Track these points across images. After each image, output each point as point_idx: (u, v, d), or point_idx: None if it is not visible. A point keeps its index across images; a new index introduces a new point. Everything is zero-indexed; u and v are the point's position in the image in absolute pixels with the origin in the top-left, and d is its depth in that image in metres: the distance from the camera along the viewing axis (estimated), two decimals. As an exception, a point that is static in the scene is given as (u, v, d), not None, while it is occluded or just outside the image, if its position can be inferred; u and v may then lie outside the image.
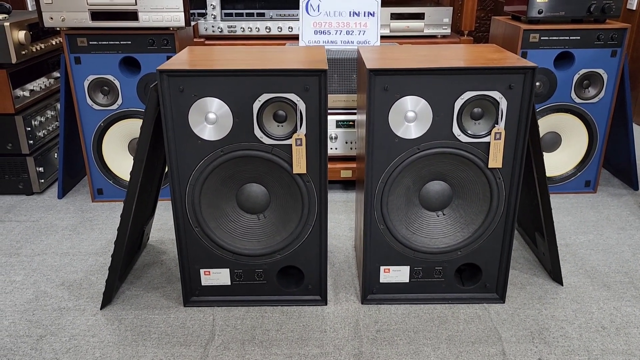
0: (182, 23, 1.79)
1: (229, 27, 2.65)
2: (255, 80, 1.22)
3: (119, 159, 2.01)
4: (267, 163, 1.30)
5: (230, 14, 2.65)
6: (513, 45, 1.90)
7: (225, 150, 1.28)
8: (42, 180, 2.11)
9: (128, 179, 2.02)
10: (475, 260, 1.41)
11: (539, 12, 1.86)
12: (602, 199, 2.04)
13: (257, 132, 1.27)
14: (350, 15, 2.01)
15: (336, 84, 1.99)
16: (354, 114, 2.03)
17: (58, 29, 1.80)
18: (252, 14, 2.65)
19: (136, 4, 1.76)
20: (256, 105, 1.24)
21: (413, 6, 2.69)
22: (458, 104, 1.25)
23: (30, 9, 2.95)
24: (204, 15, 2.62)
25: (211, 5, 2.62)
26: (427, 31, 2.69)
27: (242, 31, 2.66)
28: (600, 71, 1.91)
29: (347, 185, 2.17)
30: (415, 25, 2.69)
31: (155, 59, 1.86)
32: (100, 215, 1.94)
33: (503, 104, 1.25)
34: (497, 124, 1.26)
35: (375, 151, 1.28)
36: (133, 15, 1.78)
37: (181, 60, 1.30)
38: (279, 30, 2.66)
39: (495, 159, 1.29)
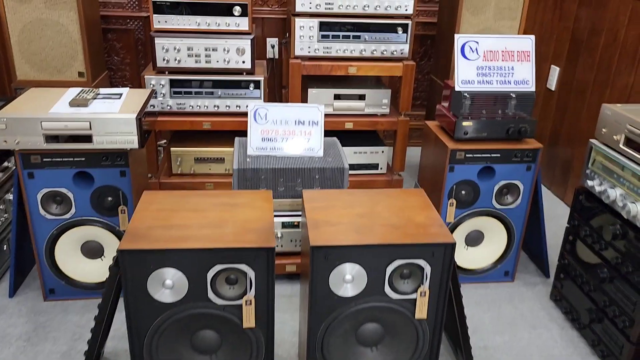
0: (136, 145, 1.88)
1: (178, 104, 2.74)
2: (209, 254, 1.35)
3: (72, 261, 2.08)
4: (220, 317, 1.43)
5: (179, 92, 2.73)
6: (442, 160, 2.11)
7: (181, 309, 1.41)
8: (-8, 277, 2.14)
9: (81, 281, 2.10)
10: (404, 387, 1.60)
11: (465, 134, 2.07)
12: (519, 290, 2.30)
13: (211, 294, 1.40)
14: (295, 124, 2.16)
15: (282, 189, 2.13)
16: (298, 215, 2.18)
17: (12, 149, 1.85)
18: (200, 93, 2.74)
19: (91, 129, 1.83)
20: (210, 274, 1.37)
21: (355, 88, 2.87)
22: (389, 269, 1.43)
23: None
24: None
25: (160, 84, 2.69)
26: (368, 110, 2.89)
27: (191, 108, 2.75)
28: (518, 182, 2.15)
29: (291, 277, 2.32)
30: (356, 105, 2.87)
31: (109, 172, 1.94)
32: (53, 319, 2.01)
33: (427, 269, 1.44)
34: (422, 284, 1.45)
35: (316, 307, 1.45)
36: (87, 138, 1.85)
37: (139, 230, 1.40)
38: (227, 108, 2.77)
39: (421, 312, 1.48)
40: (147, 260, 1.34)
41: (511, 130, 2.08)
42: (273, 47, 3.44)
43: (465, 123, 2.06)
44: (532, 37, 2.08)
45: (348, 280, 1.43)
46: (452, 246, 1.41)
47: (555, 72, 3.09)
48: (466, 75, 2.06)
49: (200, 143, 2.90)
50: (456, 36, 2.04)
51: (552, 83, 3.12)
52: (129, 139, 1.86)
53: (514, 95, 2.08)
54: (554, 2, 3.11)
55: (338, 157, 2.19)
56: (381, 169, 3.03)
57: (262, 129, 2.15)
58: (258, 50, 3.40)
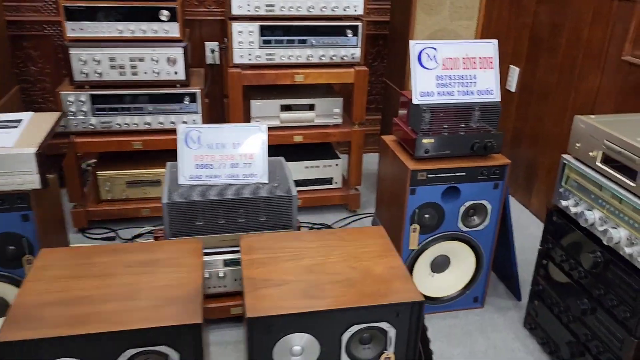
0: (37, 185, 1.56)
1: (102, 123, 2.41)
2: (118, 338, 1.07)
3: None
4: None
5: (103, 109, 2.40)
6: (401, 182, 1.88)
7: (88, 404, 1.12)
8: None
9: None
10: None
11: (426, 152, 1.85)
12: (490, 317, 2.10)
13: (125, 383, 1.12)
14: (234, 147, 1.88)
15: (222, 223, 1.85)
16: (243, 251, 1.91)
17: None
18: (128, 109, 2.42)
19: (-23, 168, 1.50)
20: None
21: (303, 97, 2.61)
22: (346, 337, 1.18)
23: None
24: (72, 112, 2.35)
25: (79, 101, 2.35)
26: (318, 121, 2.64)
27: (118, 127, 2.43)
28: (485, 202, 1.95)
29: (237, 320, 2.05)
30: (306, 116, 2.61)
31: (8, 218, 1.61)
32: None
33: (391, 333, 1.20)
34: (386, 349, 1.21)
35: (260, 386, 1.19)
36: (-26, 180, 1.52)
37: (26, 309, 1.11)
38: (160, 125, 2.47)
39: (386, 381, 1.24)
40: (36, 351, 1.04)
41: (476, 146, 1.87)
42: (213, 52, 3.13)
43: (425, 140, 1.83)
44: (495, 41, 1.87)
45: (296, 352, 1.18)
46: (419, 304, 1.18)
47: (514, 72, 2.91)
48: (425, 86, 1.82)
49: (132, 164, 2.57)
50: (411, 43, 1.81)
51: (512, 84, 2.95)
52: (28, 179, 1.54)
53: (477, 107, 1.86)
54: (510, -2, 2.93)
55: (285, 181, 1.93)
56: (336, 183, 2.78)
57: (196, 154, 1.86)
58: (196, 56, 3.09)
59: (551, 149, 2.66)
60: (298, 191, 2.74)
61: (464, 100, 1.86)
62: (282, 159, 2.11)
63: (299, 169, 2.69)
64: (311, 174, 2.73)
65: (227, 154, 1.88)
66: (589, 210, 1.64)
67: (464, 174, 1.88)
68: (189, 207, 1.80)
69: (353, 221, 2.74)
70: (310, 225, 2.67)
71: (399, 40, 2.70)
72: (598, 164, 1.62)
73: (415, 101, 1.82)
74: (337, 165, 2.74)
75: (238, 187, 1.88)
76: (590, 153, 1.64)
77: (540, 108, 2.73)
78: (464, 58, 1.85)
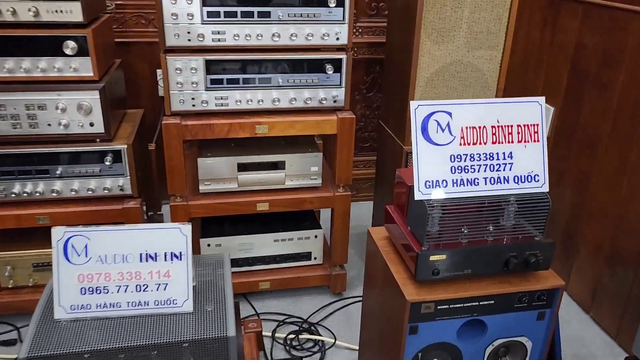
0: None
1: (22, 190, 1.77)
2: None
3: None
4: None
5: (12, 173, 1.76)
6: (396, 314, 1.23)
7: None
8: None
9: None
10: None
11: (434, 273, 1.19)
12: None
13: None
14: (141, 260, 1.23)
15: (121, 376, 1.21)
16: (156, 415, 1.26)
17: None
18: (28, 172, 1.79)
19: None
20: None
21: (270, 152, 1.96)
22: None
23: None
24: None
25: (-41, 164, 1.71)
26: (290, 183, 1.99)
27: (14, 196, 1.81)
28: (523, 339, 1.29)
29: None
30: (273, 177, 1.97)
31: None
32: None
33: None
34: None
35: None
36: None
37: None
38: (74, 193, 1.83)
39: None
40: None
41: (512, 263, 1.21)
42: (166, 81, 2.48)
43: (434, 257, 1.17)
44: (542, 100, 1.22)
45: None
46: None
47: (549, 112, 2.25)
48: (433, 172, 1.17)
49: (40, 242, 1.93)
50: (412, 104, 1.15)
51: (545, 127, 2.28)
52: None
53: (514, 202, 1.21)
54: (543, 15, 2.27)
55: (221, 304, 1.29)
56: (315, 258, 2.13)
57: (80, 273, 1.22)
58: (147, 88, 2.47)
59: (599, 221, 2.00)
60: (266, 270, 2.13)
61: (494, 191, 1.20)
62: (224, 256, 1.47)
63: (266, 243, 2.05)
64: (283, 248, 2.08)
65: (131, 270, 1.24)
66: None
67: (492, 302, 1.23)
68: (65, 360, 1.16)
69: (336, 309, 2.09)
70: (282, 319, 2.02)
71: (397, 74, 2.04)
72: None
73: (418, 195, 1.17)
74: (316, 237, 2.09)
75: (148, 320, 1.23)
76: None
77: (585, 163, 2.07)
78: (493, 127, 1.19)
